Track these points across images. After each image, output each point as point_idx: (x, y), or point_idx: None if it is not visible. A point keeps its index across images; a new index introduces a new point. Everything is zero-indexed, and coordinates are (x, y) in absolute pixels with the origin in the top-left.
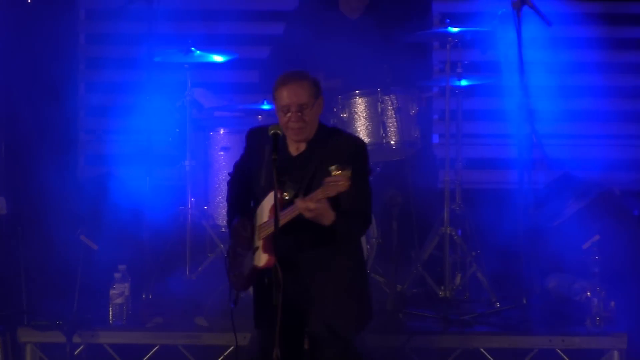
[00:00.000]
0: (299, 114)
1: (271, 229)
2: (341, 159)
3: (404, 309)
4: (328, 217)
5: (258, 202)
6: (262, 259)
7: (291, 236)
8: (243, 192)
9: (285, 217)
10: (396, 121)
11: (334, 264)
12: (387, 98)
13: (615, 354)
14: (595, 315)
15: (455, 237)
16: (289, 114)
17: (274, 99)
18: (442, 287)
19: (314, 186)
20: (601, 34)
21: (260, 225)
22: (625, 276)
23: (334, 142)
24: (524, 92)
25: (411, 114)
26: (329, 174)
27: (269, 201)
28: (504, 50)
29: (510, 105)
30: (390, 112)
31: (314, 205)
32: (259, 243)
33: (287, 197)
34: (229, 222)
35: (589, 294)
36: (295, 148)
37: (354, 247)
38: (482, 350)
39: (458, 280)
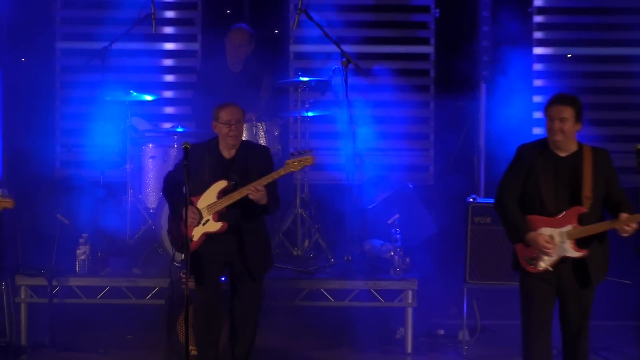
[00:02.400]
0: (237, 125)
1: (222, 206)
2: (263, 160)
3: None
4: (264, 198)
5: (200, 191)
6: (216, 226)
7: (234, 210)
8: (177, 187)
9: (235, 197)
10: (265, 140)
11: (256, 229)
12: (259, 124)
13: (410, 292)
14: (396, 267)
15: (304, 215)
16: (231, 126)
17: (217, 118)
18: (296, 249)
19: (248, 177)
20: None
21: (209, 205)
22: (416, 241)
23: (253, 149)
24: (349, 120)
25: (275, 134)
26: (255, 170)
27: (215, 188)
28: (336, 92)
29: (341, 129)
30: (261, 133)
31: (261, 187)
32: (210, 216)
33: (232, 183)
34: (174, 206)
35: (392, 253)
36: (228, 153)
37: (263, 219)
38: (322, 290)
39: (306, 244)
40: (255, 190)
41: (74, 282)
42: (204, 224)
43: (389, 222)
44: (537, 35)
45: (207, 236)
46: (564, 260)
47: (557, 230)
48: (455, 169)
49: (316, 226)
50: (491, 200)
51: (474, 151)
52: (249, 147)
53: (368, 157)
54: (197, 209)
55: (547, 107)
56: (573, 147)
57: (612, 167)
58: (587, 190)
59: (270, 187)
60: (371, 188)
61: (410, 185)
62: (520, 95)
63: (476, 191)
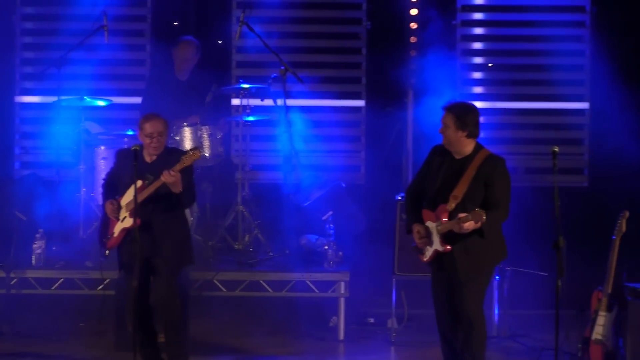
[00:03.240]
0: (159, 138)
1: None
2: (174, 159)
3: (213, 256)
4: (179, 186)
5: (125, 192)
6: (130, 222)
7: (148, 206)
8: (112, 187)
9: (146, 192)
10: (209, 142)
11: (171, 224)
12: (203, 127)
13: (342, 283)
14: (330, 260)
15: (245, 212)
16: (152, 139)
17: (142, 129)
18: (237, 243)
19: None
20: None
21: (127, 203)
22: (348, 236)
23: (171, 153)
24: (287, 124)
25: (218, 137)
26: (167, 167)
27: (132, 189)
28: (275, 98)
29: (279, 132)
30: (205, 136)
31: (175, 172)
32: (126, 213)
33: (147, 183)
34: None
35: (326, 247)
36: (149, 158)
37: (182, 214)
38: (261, 281)
39: (247, 239)
40: (169, 175)
41: (30, 274)
42: (122, 221)
43: (324, 218)
44: (461, 45)
45: (126, 232)
46: (449, 253)
47: (433, 224)
48: (385, 169)
49: (256, 222)
50: None
51: (402, 153)
52: (167, 152)
53: (304, 158)
54: (119, 205)
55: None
56: (467, 151)
57: (499, 174)
58: (457, 190)
59: (185, 178)
60: (307, 187)
61: (343, 185)
62: (445, 100)
63: (404, 190)
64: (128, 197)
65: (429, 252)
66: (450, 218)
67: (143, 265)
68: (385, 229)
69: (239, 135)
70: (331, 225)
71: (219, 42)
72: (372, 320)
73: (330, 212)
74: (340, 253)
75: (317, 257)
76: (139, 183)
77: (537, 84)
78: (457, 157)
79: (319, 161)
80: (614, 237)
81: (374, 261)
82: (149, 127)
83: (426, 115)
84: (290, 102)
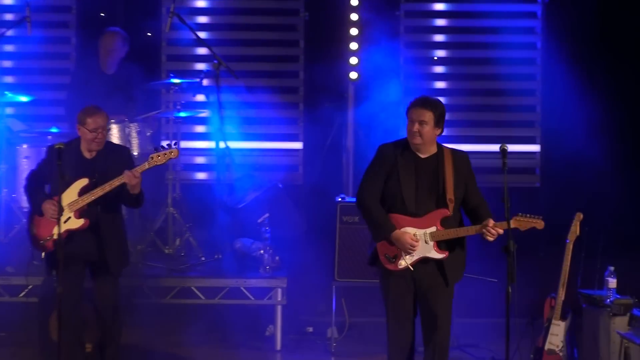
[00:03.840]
0: (103, 133)
1: (83, 203)
2: (123, 159)
3: (142, 261)
4: (139, 187)
5: (62, 189)
6: (77, 223)
7: (95, 208)
8: (40, 185)
9: (97, 194)
10: (137, 140)
11: (115, 226)
12: (131, 125)
13: (279, 290)
14: (266, 265)
15: (176, 214)
16: (97, 134)
17: (84, 123)
18: (167, 247)
19: (108, 176)
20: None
21: (71, 203)
22: (287, 239)
23: (113, 149)
24: (220, 121)
25: (147, 135)
26: (116, 169)
27: (76, 186)
28: (208, 94)
29: (212, 129)
30: (134, 134)
31: (139, 173)
32: (71, 214)
33: (94, 180)
34: (35, 203)
35: (262, 252)
36: (89, 154)
37: (121, 214)
38: (193, 288)
39: (177, 242)
40: (132, 176)
41: None
42: (65, 222)
43: (259, 221)
44: (405, 38)
45: (69, 233)
46: (424, 261)
47: (422, 230)
48: (324, 169)
49: (187, 225)
50: None
51: (342, 151)
52: (109, 148)
53: (239, 157)
54: (60, 205)
55: (409, 109)
56: (433, 149)
57: (471, 170)
58: (450, 193)
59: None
60: (242, 188)
61: (280, 185)
62: (389, 95)
63: (345, 191)
64: (69, 196)
65: (407, 260)
66: (443, 223)
67: (80, 270)
68: (325, 232)
69: (170, 132)
70: (267, 228)
71: (148, 34)
72: (310, 329)
73: (267, 215)
74: (277, 258)
75: (253, 262)
76: (85, 181)
77: (486, 79)
78: (423, 156)
79: (255, 160)
80: (567, 241)
81: (313, 266)
82: (92, 122)
83: (368, 111)
84: (224, 97)
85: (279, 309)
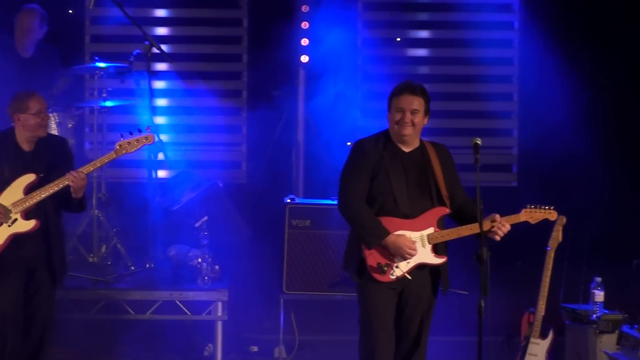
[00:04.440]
0: (46, 115)
1: (33, 201)
2: (63, 152)
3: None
4: (83, 190)
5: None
6: (26, 225)
7: (43, 208)
8: None
9: (48, 191)
10: (57, 132)
11: (60, 230)
12: (51, 115)
13: (219, 304)
14: (205, 276)
15: (101, 218)
16: (42, 117)
17: (26, 109)
18: (92, 255)
19: (53, 171)
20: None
21: (15, 202)
22: (227, 246)
23: (51, 140)
24: (152, 111)
25: (69, 127)
26: (59, 162)
27: (20, 183)
28: (138, 80)
29: (143, 121)
30: (53, 125)
31: (84, 175)
32: (18, 215)
33: (41, 175)
34: None
35: (200, 260)
36: (27, 146)
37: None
38: (121, 301)
39: (103, 249)
40: (78, 178)
41: None
42: (10, 225)
43: (197, 225)
44: (364, 16)
45: (13, 237)
46: (418, 267)
47: (417, 233)
48: (271, 165)
49: (115, 230)
50: (312, 201)
51: (292, 146)
52: (47, 139)
53: (173, 152)
54: (4, 206)
55: (394, 97)
56: (417, 142)
57: (454, 164)
58: (444, 188)
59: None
60: (177, 187)
61: (221, 184)
62: (345, 83)
63: (294, 190)
64: (12, 195)
65: (401, 268)
66: (440, 225)
67: (21, 281)
68: (272, 238)
69: (94, 124)
70: (206, 233)
71: (70, 11)
72: (255, 348)
73: (205, 218)
74: (217, 267)
75: (189, 272)
76: (32, 177)
77: (457, 63)
78: (407, 149)
79: (192, 156)
80: (548, 248)
81: (258, 277)
82: (35, 104)
83: (321, 100)
84: (157, 84)
85: (219, 325)
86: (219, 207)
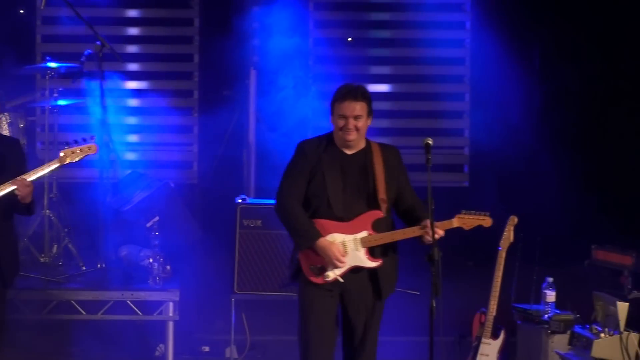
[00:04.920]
0: None
1: None
2: (16, 153)
3: None
4: (31, 196)
5: None
6: None
7: None
8: None
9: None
10: (9, 132)
11: (8, 231)
12: (1, 116)
13: (170, 304)
14: (156, 276)
15: (53, 218)
16: None
17: None
18: (43, 255)
19: (2, 173)
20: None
21: None
22: (180, 245)
23: (4, 141)
24: (103, 111)
25: (20, 127)
26: (11, 164)
27: None
28: (90, 80)
29: (95, 121)
30: (5, 126)
31: (29, 182)
32: None
33: None
34: None
35: (151, 260)
36: None
37: (13, 220)
38: (73, 301)
39: (55, 250)
40: (23, 186)
41: None
42: None
43: (148, 225)
44: (316, 16)
45: None
46: (355, 271)
47: (351, 236)
48: (223, 165)
49: (66, 230)
50: (263, 201)
51: (243, 146)
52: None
53: (125, 152)
54: None
55: (336, 103)
56: (362, 144)
57: (403, 166)
58: (382, 192)
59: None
60: (128, 187)
61: (172, 184)
62: (297, 83)
63: (246, 191)
64: None
65: (336, 271)
66: (375, 227)
67: None
68: (223, 238)
69: (46, 124)
70: (157, 233)
71: (21, 11)
72: (207, 348)
73: (157, 218)
74: (169, 267)
75: (141, 272)
76: None
77: (408, 63)
78: (350, 152)
79: (144, 156)
80: (499, 248)
81: (210, 277)
82: None
83: (273, 100)
84: (108, 84)
85: (170, 325)
86: (170, 207)
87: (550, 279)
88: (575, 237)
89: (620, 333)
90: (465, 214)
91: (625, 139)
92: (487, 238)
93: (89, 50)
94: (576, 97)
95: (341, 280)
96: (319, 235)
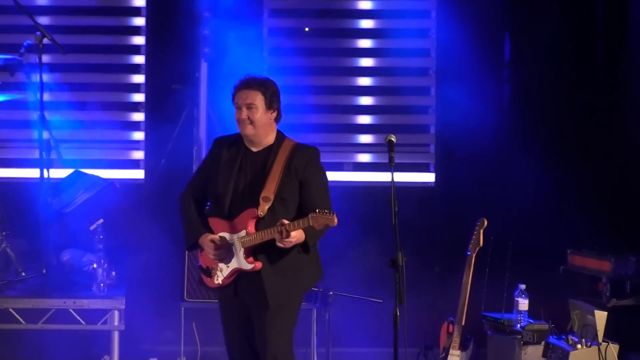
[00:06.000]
0: None
1: None
2: None
3: None
4: None
5: None
6: None
7: None
8: None
9: None
10: None
11: None
12: None
13: (116, 313)
14: (100, 282)
15: None
16: None
17: None
18: None
19: None
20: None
21: None
22: (126, 250)
23: None
24: (43, 106)
25: None
26: None
27: None
28: (29, 72)
29: (34, 116)
30: None
31: None
32: None
33: None
34: None
35: (95, 265)
36: None
37: None
38: (11, 310)
39: None
40: None
41: None
42: None
43: (92, 228)
44: (270, 5)
45: None
46: (247, 275)
47: (233, 235)
48: (172, 164)
49: (4, 233)
50: None
51: (193, 142)
52: None
53: (67, 149)
54: None
55: (233, 94)
56: (270, 140)
57: (314, 169)
58: (267, 191)
59: None
60: (70, 187)
61: (117, 185)
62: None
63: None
64: None
65: (222, 273)
66: (259, 227)
67: None
68: (172, 242)
69: None
70: (102, 237)
71: None
72: None
73: (101, 220)
74: (114, 273)
75: (84, 279)
76: None
77: (368, 55)
78: (255, 149)
79: (86, 154)
80: (468, 253)
81: (158, 284)
82: None
83: (225, 95)
84: (48, 77)
85: (115, 335)
86: (115, 209)
87: (523, 286)
88: (549, 242)
89: (598, 344)
90: (315, 212)
91: (605, 134)
92: (455, 242)
93: (29, 41)
94: (549, 90)
95: (220, 283)
96: (202, 232)
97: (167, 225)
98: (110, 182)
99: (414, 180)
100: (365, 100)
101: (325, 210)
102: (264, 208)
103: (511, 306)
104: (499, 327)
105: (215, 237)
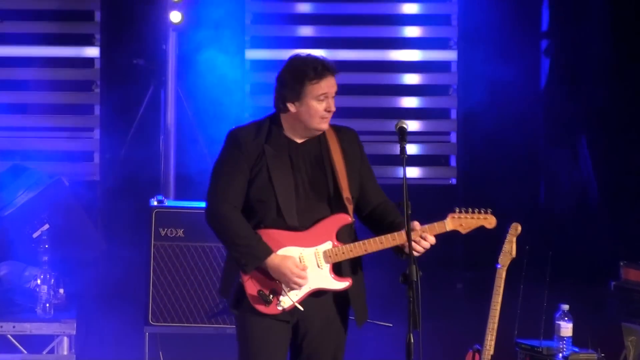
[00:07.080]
0: None
1: None
2: None
3: None
4: None
5: None
6: None
7: None
8: None
9: None
10: None
11: None
12: None
13: (65, 339)
14: (46, 303)
15: None
16: None
17: None
18: None
19: None
20: None
21: None
22: (78, 262)
23: None
24: None
25: None
26: None
27: None
28: None
29: None
30: None
31: None
32: None
33: None
34: None
35: (39, 281)
36: None
37: None
38: None
39: None
40: None
41: None
42: None
43: (35, 235)
44: None
45: None
46: (314, 294)
47: (310, 250)
48: (133, 157)
49: None
50: (186, 204)
51: (159, 134)
52: None
53: (3, 138)
54: None
55: (311, 83)
56: None
57: (364, 154)
58: (346, 190)
59: None
60: (8, 185)
61: (67, 182)
62: (228, 52)
63: (164, 190)
64: None
65: (294, 296)
66: (339, 236)
67: None
68: (133, 253)
69: None
70: (47, 246)
71: None
72: None
73: (46, 226)
74: (62, 291)
75: (25, 298)
76: None
77: (369, 22)
78: (300, 140)
79: (28, 144)
80: (498, 266)
81: (116, 304)
82: None
83: (198, 75)
84: None
85: None
86: (64, 212)
87: (566, 307)
88: (599, 251)
89: None
90: (459, 212)
91: None
92: (481, 252)
93: None
94: (599, 66)
95: (301, 308)
96: (270, 251)
97: (127, 232)
98: (58, 178)
99: (431, 177)
100: (370, 79)
101: (471, 209)
102: (351, 211)
103: (551, 331)
104: (537, 356)
105: (292, 256)
